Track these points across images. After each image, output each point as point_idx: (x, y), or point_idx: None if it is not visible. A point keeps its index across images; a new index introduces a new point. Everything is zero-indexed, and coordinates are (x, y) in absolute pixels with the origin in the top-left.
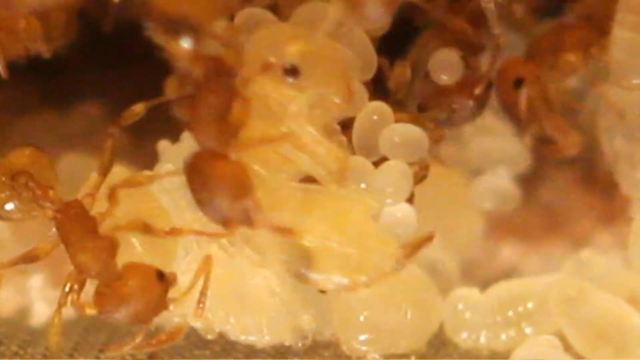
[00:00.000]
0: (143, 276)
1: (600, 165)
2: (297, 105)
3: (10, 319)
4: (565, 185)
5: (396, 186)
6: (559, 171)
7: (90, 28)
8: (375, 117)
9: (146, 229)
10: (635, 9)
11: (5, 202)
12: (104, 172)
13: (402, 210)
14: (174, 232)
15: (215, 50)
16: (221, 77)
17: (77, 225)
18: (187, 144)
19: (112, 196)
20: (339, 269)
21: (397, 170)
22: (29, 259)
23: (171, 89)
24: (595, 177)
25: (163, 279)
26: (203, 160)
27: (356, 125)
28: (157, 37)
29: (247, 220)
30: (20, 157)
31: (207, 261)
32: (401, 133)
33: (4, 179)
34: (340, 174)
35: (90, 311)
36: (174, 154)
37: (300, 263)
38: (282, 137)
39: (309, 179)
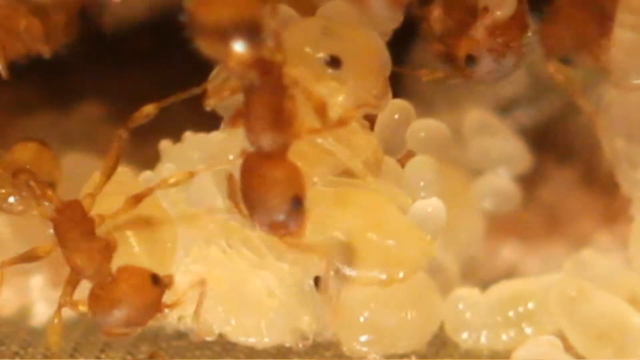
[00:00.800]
0: (137, 279)
1: (600, 165)
2: (342, 96)
3: (11, 319)
4: (565, 185)
5: (426, 180)
6: (559, 171)
7: (90, 28)
8: (397, 116)
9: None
10: (636, 10)
11: (6, 197)
12: (108, 173)
13: (432, 205)
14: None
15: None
16: (272, 77)
17: (73, 226)
18: (189, 143)
19: (133, 202)
20: (376, 263)
21: (425, 165)
22: (30, 258)
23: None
24: (595, 177)
25: (158, 283)
26: (259, 161)
27: (378, 123)
28: (205, 46)
29: (293, 228)
30: (24, 151)
31: (202, 283)
32: (427, 128)
33: (5, 175)
34: (377, 166)
35: (84, 309)
36: (175, 153)
37: (340, 259)
38: (335, 125)
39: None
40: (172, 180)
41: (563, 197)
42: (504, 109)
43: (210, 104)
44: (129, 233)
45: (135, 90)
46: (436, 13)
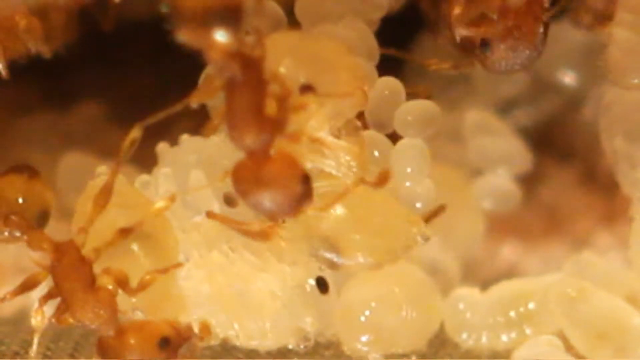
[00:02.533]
0: (145, 340)
1: (600, 165)
2: (317, 120)
3: (11, 319)
4: (565, 185)
5: (414, 165)
6: (559, 171)
7: (90, 28)
8: (386, 92)
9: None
10: (634, 9)
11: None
12: (99, 208)
13: (421, 185)
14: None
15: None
16: (253, 71)
17: (73, 278)
18: (185, 147)
19: (124, 235)
20: (367, 252)
21: (413, 149)
22: (30, 286)
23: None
24: (595, 177)
25: (167, 346)
26: (248, 167)
27: (369, 102)
28: (187, 35)
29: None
30: (12, 188)
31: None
32: (414, 111)
33: None
34: (363, 169)
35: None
36: (172, 157)
37: (327, 250)
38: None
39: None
40: (158, 207)
41: (563, 197)
42: (504, 109)
43: (194, 101)
44: (133, 245)
45: (135, 90)
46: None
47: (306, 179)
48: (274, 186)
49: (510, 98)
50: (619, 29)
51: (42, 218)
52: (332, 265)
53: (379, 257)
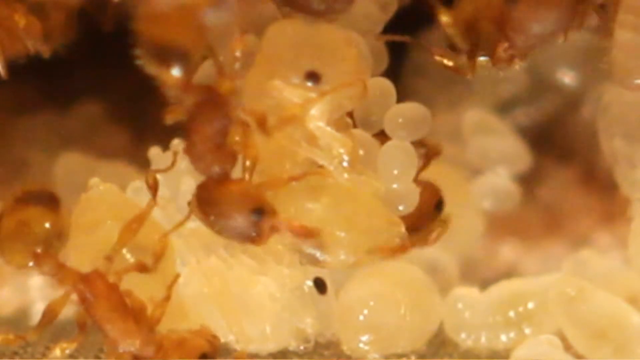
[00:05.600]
0: (186, 357)
1: (600, 165)
2: (318, 109)
3: (10, 318)
4: (565, 185)
5: (401, 167)
6: (559, 171)
7: (90, 28)
8: (377, 93)
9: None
10: (636, 10)
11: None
12: (128, 238)
13: (406, 187)
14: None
15: (209, 78)
16: (214, 106)
17: (107, 306)
18: (177, 152)
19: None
20: (350, 250)
21: (400, 151)
22: (50, 317)
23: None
24: (595, 177)
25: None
26: (209, 189)
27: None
28: (148, 65)
29: (267, 231)
30: (40, 222)
31: None
32: (405, 113)
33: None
34: (353, 163)
35: None
36: (164, 162)
37: (311, 246)
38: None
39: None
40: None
41: (562, 197)
42: (504, 109)
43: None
44: (129, 257)
45: (135, 90)
46: None
47: (259, 211)
48: (229, 211)
49: (510, 98)
50: (622, 30)
51: (61, 242)
52: (314, 262)
53: (361, 255)
